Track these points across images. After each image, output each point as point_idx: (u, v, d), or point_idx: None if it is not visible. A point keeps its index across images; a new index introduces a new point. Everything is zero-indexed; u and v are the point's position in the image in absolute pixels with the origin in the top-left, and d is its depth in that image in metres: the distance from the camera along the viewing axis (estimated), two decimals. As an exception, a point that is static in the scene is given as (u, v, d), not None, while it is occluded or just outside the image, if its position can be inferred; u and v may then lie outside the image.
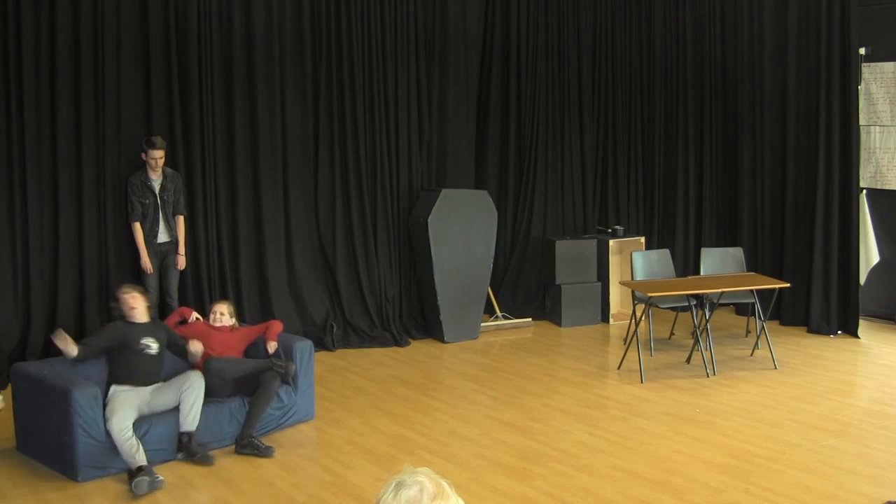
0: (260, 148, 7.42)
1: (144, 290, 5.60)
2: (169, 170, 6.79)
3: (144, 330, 5.31)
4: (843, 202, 7.84)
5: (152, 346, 5.28)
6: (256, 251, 7.51)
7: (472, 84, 8.63)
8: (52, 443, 4.93)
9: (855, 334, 7.80)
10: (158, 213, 6.70)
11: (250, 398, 5.41)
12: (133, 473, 4.74)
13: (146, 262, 6.68)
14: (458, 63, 8.50)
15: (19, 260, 6.57)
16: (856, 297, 7.84)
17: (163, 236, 6.76)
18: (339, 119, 7.74)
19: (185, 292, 7.05)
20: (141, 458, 4.79)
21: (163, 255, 6.81)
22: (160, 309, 6.90)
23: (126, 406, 4.94)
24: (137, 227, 6.66)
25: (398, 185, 8.18)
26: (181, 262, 6.90)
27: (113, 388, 5.13)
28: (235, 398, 5.42)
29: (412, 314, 8.24)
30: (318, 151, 7.72)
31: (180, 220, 6.86)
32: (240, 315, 7.28)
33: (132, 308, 5.31)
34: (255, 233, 7.50)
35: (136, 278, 6.82)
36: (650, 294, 6.68)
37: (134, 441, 4.81)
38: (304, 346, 5.82)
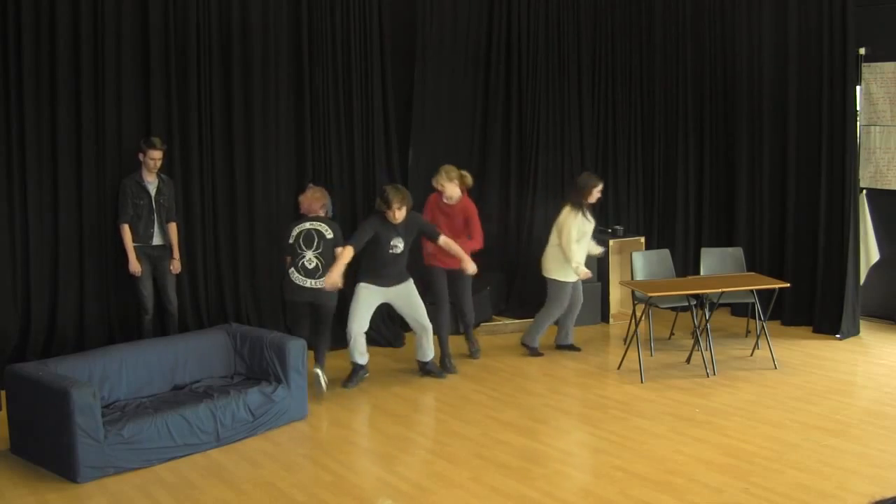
0: (255, 149, 7.40)
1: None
2: (164, 176, 6.74)
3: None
4: (842, 202, 7.83)
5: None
6: (252, 253, 7.49)
7: (473, 87, 8.62)
8: (49, 444, 4.93)
9: (855, 334, 7.80)
10: (153, 216, 6.63)
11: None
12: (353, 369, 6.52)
13: (134, 264, 6.57)
14: (458, 66, 8.48)
15: (19, 260, 6.56)
16: (856, 296, 7.84)
17: (157, 239, 6.68)
18: (334, 121, 7.71)
19: (181, 296, 7.00)
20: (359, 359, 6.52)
21: (156, 259, 6.72)
22: (159, 315, 6.85)
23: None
24: (126, 228, 6.55)
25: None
26: (176, 266, 6.84)
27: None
28: None
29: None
30: (314, 153, 7.69)
31: (173, 227, 6.78)
32: (236, 316, 7.30)
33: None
34: (251, 235, 7.47)
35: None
36: (650, 294, 6.68)
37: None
38: (296, 344, 5.84)
